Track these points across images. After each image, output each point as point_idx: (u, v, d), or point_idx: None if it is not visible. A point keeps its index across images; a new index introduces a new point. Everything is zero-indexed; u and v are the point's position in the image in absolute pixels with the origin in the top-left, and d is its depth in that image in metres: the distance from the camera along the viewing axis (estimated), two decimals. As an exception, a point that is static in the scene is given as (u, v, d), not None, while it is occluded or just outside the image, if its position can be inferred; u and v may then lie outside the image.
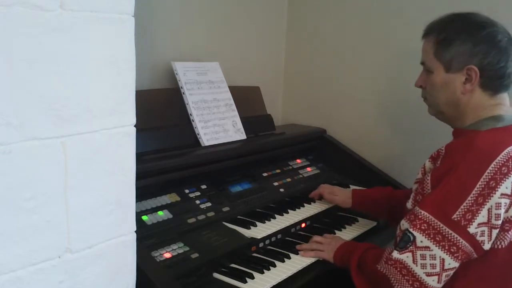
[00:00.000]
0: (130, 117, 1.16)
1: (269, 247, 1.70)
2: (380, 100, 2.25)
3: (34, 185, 0.99)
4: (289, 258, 1.62)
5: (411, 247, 1.35)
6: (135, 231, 1.23)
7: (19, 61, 0.93)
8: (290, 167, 2.20)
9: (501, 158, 1.31)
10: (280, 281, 1.49)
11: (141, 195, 1.38)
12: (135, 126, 1.18)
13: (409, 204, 1.47)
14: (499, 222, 1.31)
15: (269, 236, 1.70)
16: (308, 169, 2.25)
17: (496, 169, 1.30)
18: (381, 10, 2.21)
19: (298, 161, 2.27)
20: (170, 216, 1.59)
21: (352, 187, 2.21)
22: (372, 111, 2.32)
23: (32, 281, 1.01)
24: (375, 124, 2.31)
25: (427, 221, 1.34)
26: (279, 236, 1.76)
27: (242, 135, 2.05)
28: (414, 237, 1.34)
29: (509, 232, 1.33)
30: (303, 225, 1.89)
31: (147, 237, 1.46)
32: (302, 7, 2.49)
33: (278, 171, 2.12)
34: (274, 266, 1.56)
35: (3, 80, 0.91)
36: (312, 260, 1.63)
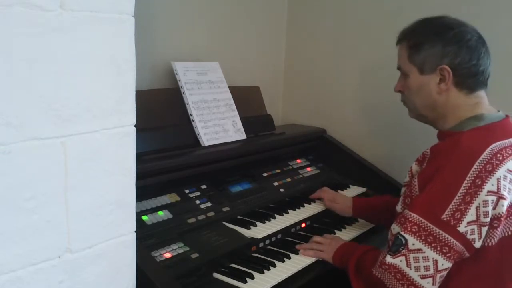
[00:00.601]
0: (130, 117, 1.16)
1: (269, 247, 1.70)
2: (380, 100, 2.25)
3: (34, 185, 0.99)
4: (289, 258, 1.62)
5: (403, 251, 1.35)
6: (135, 231, 1.24)
7: (19, 61, 0.93)
8: (290, 167, 2.20)
9: (485, 156, 1.33)
10: (280, 281, 1.49)
11: (141, 195, 1.38)
12: (135, 126, 1.18)
13: (398, 208, 1.48)
14: (488, 219, 1.31)
15: (269, 236, 1.70)
16: (308, 169, 2.25)
17: (481, 167, 1.31)
18: (381, 10, 2.21)
19: (298, 161, 2.27)
20: (170, 216, 1.59)
21: (352, 187, 2.21)
22: (372, 111, 2.32)
23: (32, 281, 1.01)
24: (375, 124, 2.32)
25: (417, 223, 1.34)
26: (279, 236, 1.76)
27: (242, 135, 2.04)
28: (406, 240, 1.35)
29: (498, 229, 1.34)
30: (303, 225, 1.89)
31: (147, 237, 1.46)
32: (302, 7, 2.49)
33: (278, 171, 2.12)
34: (274, 266, 1.56)
35: (3, 80, 0.91)
36: (312, 260, 1.63)
